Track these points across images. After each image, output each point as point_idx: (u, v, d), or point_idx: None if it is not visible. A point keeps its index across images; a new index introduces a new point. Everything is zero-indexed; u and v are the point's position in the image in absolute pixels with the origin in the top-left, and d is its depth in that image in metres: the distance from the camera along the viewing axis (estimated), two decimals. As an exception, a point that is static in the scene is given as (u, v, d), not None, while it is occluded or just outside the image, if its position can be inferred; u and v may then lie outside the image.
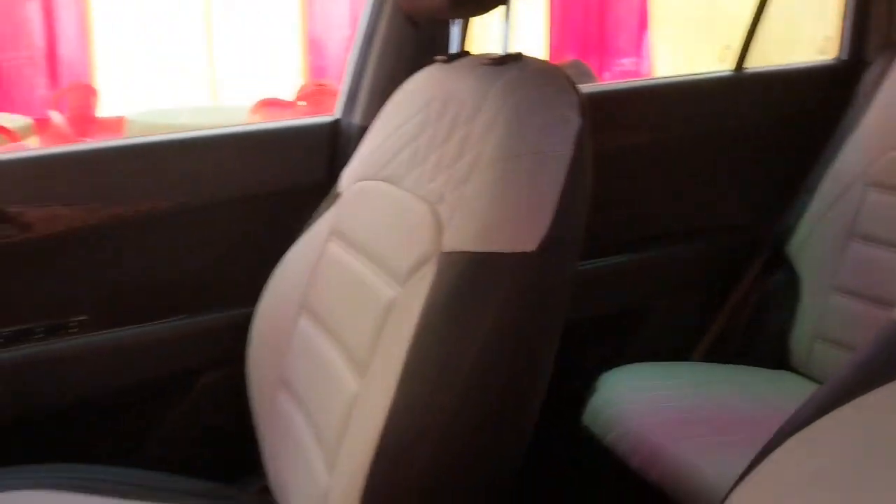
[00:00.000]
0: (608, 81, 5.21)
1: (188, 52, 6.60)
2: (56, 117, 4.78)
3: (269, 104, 4.96)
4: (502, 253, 0.75)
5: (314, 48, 6.75)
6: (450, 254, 0.78)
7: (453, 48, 1.05)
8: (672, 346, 1.54)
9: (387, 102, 1.06)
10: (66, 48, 6.42)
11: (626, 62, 6.68)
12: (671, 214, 1.57)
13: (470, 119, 0.85)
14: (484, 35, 1.21)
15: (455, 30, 1.06)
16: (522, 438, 0.81)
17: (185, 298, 1.24)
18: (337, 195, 1.06)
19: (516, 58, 0.89)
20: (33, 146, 4.12)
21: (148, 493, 1.05)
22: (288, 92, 5.68)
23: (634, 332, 1.54)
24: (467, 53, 1.00)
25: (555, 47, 6.69)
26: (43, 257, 1.17)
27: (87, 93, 6.15)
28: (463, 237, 0.77)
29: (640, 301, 1.54)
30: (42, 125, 5.00)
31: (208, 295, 1.25)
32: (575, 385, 1.32)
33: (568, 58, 6.15)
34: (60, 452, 1.08)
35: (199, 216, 1.24)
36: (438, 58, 1.01)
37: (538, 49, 6.62)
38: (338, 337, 0.91)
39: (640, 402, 1.26)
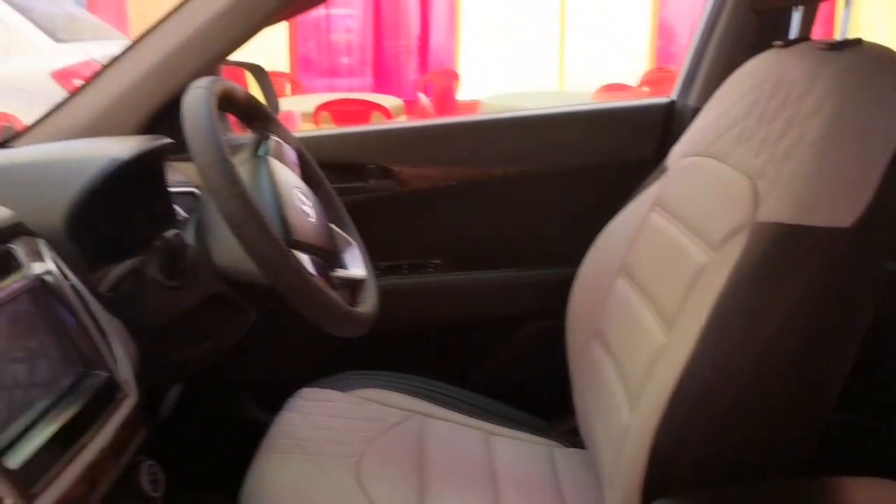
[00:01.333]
0: None
1: (541, 41, 6.98)
2: (423, 99, 5.39)
3: (612, 89, 5.08)
4: (815, 227, 0.79)
5: (664, 34, 6.71)
6: (764, 224, 0.83)
7: (794, 35, 1.07)
8: None
9: (721, 85, 1.12)
10: (435, 38, 7.18)
11: None
12: None
13: (798, 100, 0.89)
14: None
15: (796, 17, 1.08)
16: (817, 410, 0.84)
17: (519, 254, 1.43)
18: (664, 170, 1.15)
19: (855, 43, 0.90)
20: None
21: (476, 410, 1.26)
22: (632, 77, 5.75)
23: None
24: (806, 39, 1.02)
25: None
26: (413, 208, 1.43)
27: (450, 78, 6.78)
28: (778, 209, 0.83)
29: None
30: (411, 106, 5.68)
31: (538, 252, 1.42)
32: None
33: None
34: (411, 364, 1.33)
35: (539, 183, 1.42)
36: (776, 43, 1.04)
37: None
38: (650, 295, 1.01)
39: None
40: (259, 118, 1.08)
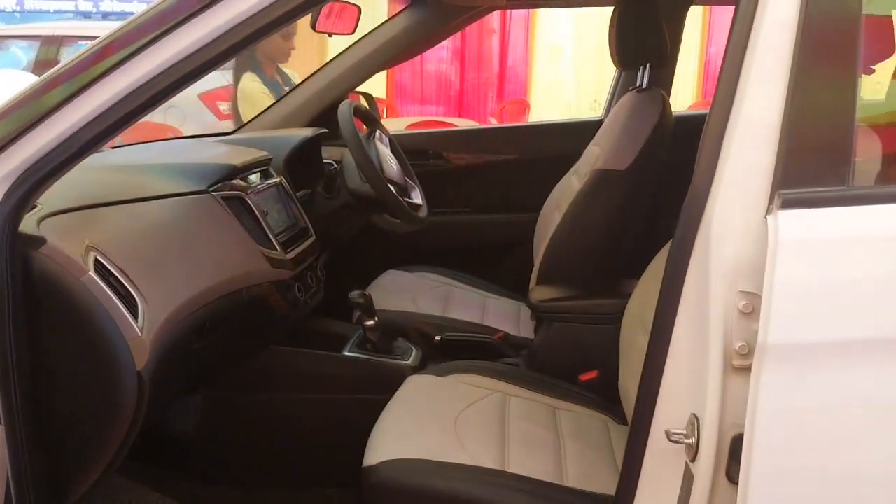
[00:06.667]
0: None
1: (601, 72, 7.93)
2: (493, 122, 6.47)
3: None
4: (605, 169, 1.80)
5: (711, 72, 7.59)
6: (593, 170, 1.85)
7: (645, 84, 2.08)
8: None
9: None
10: (511, 71, 8.26)
11: None
12: None
13: (620, 111, 1.91)
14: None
15: (645, 74, 2.08)
16: (615, 256, 1.86)
17: (511, 205, 2.48)
18: (581, 154, 2.17)
19: (647, 89, 1.92)
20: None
21: (474, 282, 2.30)
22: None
23: None
24: (642, 87, 2.03)
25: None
26: (453, 177, 2.50)
27: (522, 107, 7.80)
28: (600, 162, 1.84)
29: None
30: (486, 128, 6.74)
31: (521, 204, 2.46)
32: None
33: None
34: (449, 262, 2.38)
35: (523, 165, 2.48)
36: (631, 88, 2.06)
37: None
38: (561, 209, 2.03)
39: None
40: (371, 121, 2.17)
